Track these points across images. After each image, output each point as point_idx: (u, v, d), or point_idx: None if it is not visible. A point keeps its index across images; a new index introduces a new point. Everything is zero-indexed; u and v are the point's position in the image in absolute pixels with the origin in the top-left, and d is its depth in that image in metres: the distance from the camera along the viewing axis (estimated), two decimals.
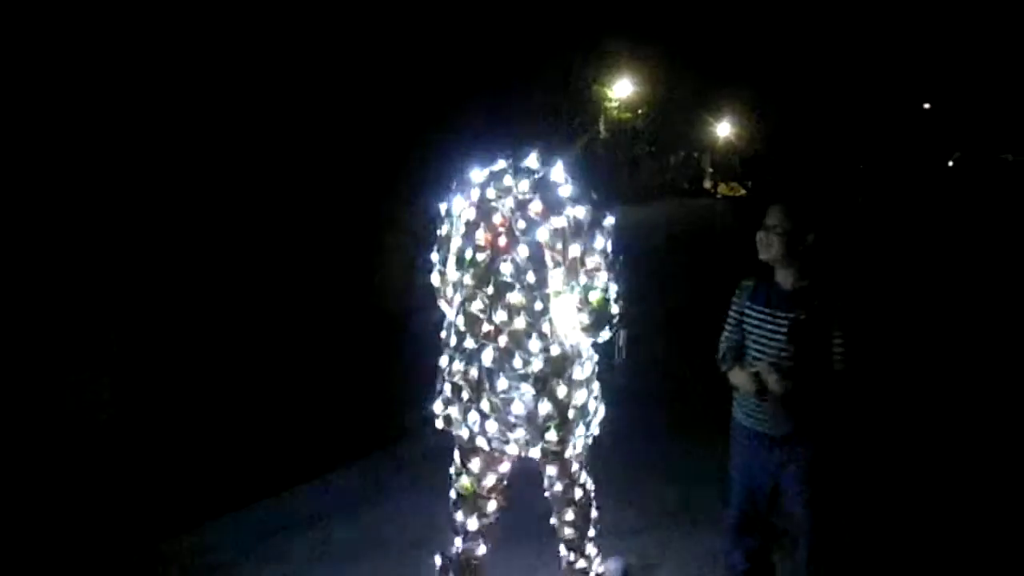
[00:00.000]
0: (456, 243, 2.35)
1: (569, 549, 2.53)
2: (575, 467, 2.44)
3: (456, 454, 2.46)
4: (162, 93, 4.14)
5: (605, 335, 2.30)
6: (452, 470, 2.48)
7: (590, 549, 2.54)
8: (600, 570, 2.60)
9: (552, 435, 2.26)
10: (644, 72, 18.18)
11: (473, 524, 2.44)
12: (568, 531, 2.50)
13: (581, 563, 2.54)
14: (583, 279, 2.23)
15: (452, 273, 2.37)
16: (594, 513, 2.55)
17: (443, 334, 2.41)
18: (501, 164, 2.33)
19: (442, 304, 2.44)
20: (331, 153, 5.10)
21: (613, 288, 2.26)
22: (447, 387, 2.34)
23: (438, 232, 2.42)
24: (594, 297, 2.22)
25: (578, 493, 2.47)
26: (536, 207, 2.22)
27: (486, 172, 2.33)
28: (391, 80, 5.14)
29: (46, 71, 3.64)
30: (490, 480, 2.43)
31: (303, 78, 4.88)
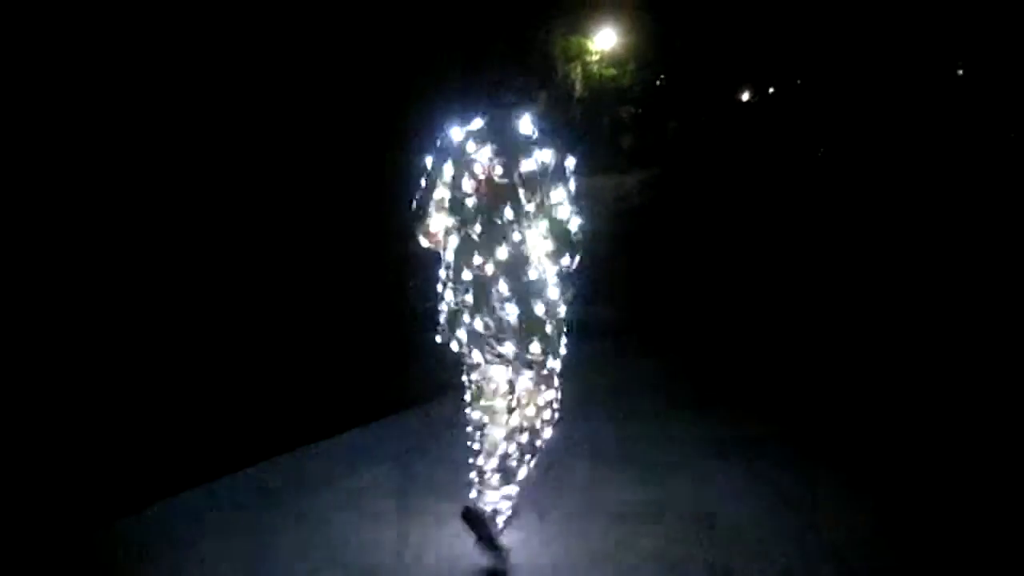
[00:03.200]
0: (443, 192, 2.81)
1: (505, 439, 2.88)
2: (551, 378, 2.89)
3: (464, 379, 2.94)
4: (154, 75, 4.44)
5: (567, 261, 2.72)
6: (467, 397, 2.96)
7: (515, 464, 2.90)
8: (496, 487, 2.89)
9: (536, 347, 2.74)
10: (633, 20, 15.02)
11: (487, 419, 2.92)
12: (516, 420, 2.89)
13: (494, 462, 2.89)
14: (552, 212, 2.68)
15: (439, 218, 2.83)
16: (546, 434, 2.97)
17: (441, 271, 2.87)
18: (477, 122, 2.78)
19: (423, 242, 2.89)
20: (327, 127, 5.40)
21: (576, 221, 2.72)
22: (453, 315, 2.82)
23: (421, 184, 2.86)
24: (557, 229, 2.69)
25: (548, 395, 2.91)
26: (509, 154, 2.68)
27: (463, 131, 2.78)
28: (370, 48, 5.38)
29: (45, 71, 3.90)
30: (492, 385, 2.90)
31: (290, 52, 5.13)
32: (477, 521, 2.83)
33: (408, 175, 3.18)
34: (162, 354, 4.51)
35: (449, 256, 2.83)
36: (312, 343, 4.96)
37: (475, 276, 2.74)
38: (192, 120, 4.65)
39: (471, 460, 2.96)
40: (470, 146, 2.74)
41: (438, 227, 2.86)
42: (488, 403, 2.93)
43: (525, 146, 2.70)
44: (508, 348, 2.75)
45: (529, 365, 2.79)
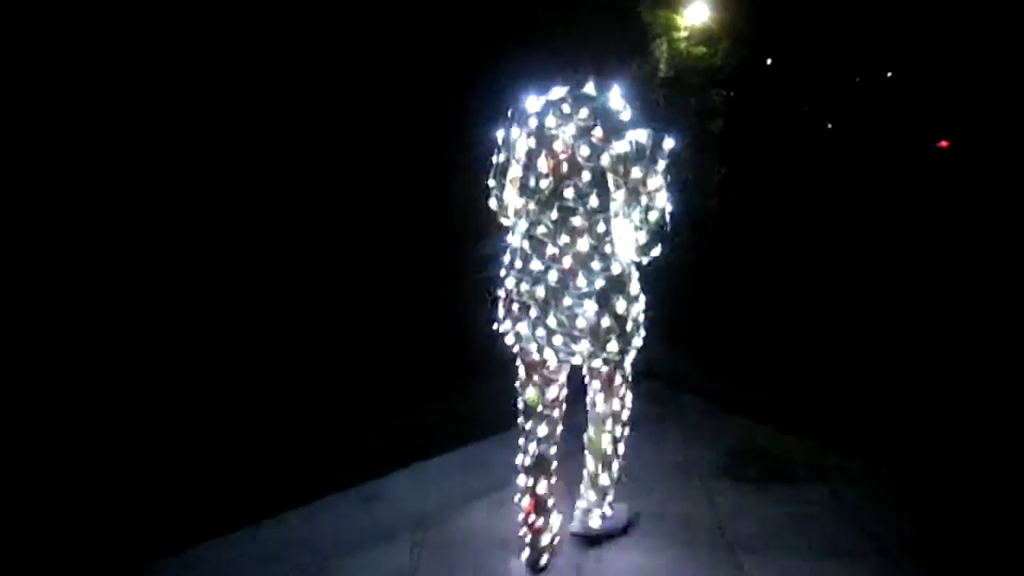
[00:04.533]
0: (516, 171, 2.51)
1: (598, 461, 2.74)
2: (620, 381, 2.63)
3: (520, 369, 2.67)
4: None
5: (656, 252, 2.43)
6: (517, 384, 2.70)
7: (616, 469, 2.77)
8: (611, 500, 2.83)
9: (613, 346, 2.44)
10: None
11: (543, 430, 2.65)
12: (606, 442, 2.70)
13: (604, 479, 2.76)
14: (644, 200, 2.36)
15: (511, 199, 2.56)
16: (625, 432, 2.75)
17: (506, 258, 2.58)
18: (559, 93, 2.44)
19: (504, 221, 2.64)
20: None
21: (668, 208, 2.41)
22: (514, 306, 2.52)
23: (494, 160, 2.58)
24: (653, 217, 2.38)
25: (618, 406, 2.68)
26: (598, 133, 2.35)
27: (543, 101, 2.45)
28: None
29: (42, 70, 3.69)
30: (552, 391, 2.64)
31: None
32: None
33: (474, 150, 2.92)
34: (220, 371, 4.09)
35: (516, 241, 2.53)
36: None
37: (548, 268, 2.43)
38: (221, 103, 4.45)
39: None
40: (550, 120, 2.41)
41: (510, 208, 2.58)
42: (545, 411, 2.64)
43: (618, 124, 2.35)
44: (583, 347, 2.44)
45: (607, 363, 2.50)
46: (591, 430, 2.74)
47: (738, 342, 4.58)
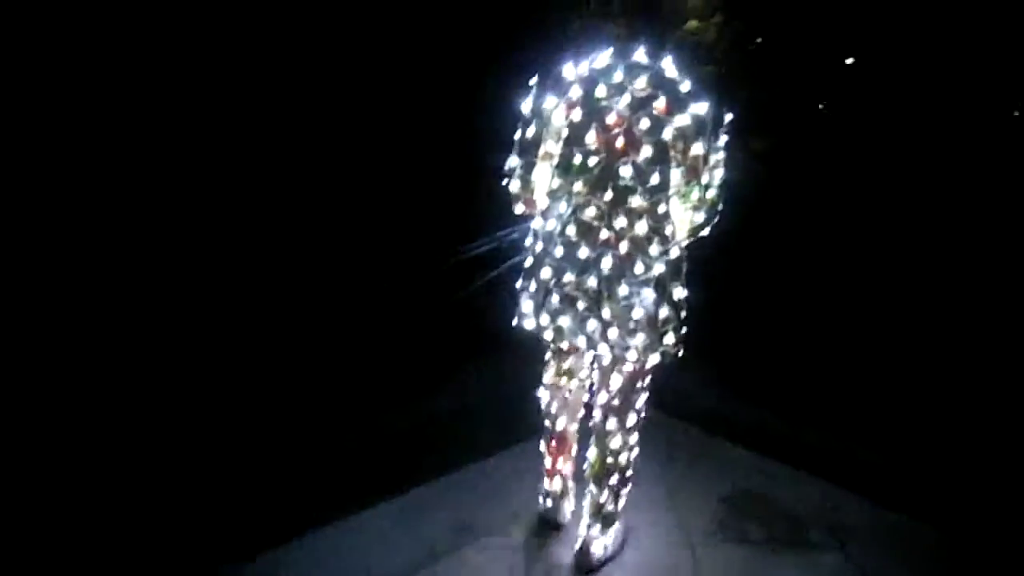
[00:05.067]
0: (551, 147, 2.25)
1: (603, 486, 2.43)
2: (644, 383, 2.39)
3: (549, 355, 2.51)
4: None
5: (706, 232, 2.24)
6: (546, 370, 2.54)
7: (625, 493, 2.50)
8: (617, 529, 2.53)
9: (670, 338, 2.23)
10: None
11: (567, 411, 2.56)
12: (616, 458, 2.41)
13: (610, 505, 2.47)
14: (705, 177, 2.15)
15: (542, 179, 2.28)
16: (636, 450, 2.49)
17: (537, 245, 2.31)
18: (605, 59, 2.19)
19: (519, 208, 2.34)
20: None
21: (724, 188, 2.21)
22: (553, 299, 2.27)
23: (519, 135, 2.29)
24: (711, 195, 2.18)
25: (633, 419, 2.41)
26: (660, 104, 2.11)
27: (586, 68, 2.20)
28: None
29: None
30: (582, 375, 2.52)
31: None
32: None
33: (492, 123, 2.64)
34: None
35: (552, 226, 2.26)
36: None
37: (600, 255, 2.19)
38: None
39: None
40: (600, 89, 2.16)
41: (541, 190, 2.31)
42: (571, 395, 2.54)
43: (680, 95, 2.12)
44: (639, 340, 2.21)
45: (664, 357, 2.27)
46: (595, 450, 2.43)
47: (741, 355, 4.01)
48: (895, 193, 5.43)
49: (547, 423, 2.60)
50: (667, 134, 2.11)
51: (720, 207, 2.21)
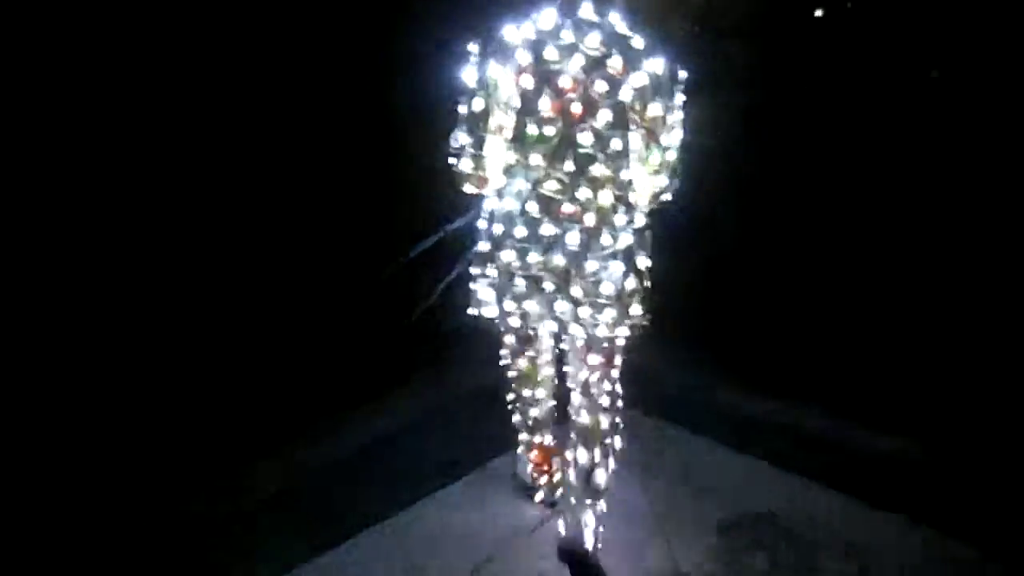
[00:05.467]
0: (502, 119, 2.06)
1: (592, 449, 2.28)
2: (619, 360, 2.27)
3: (509, 340, 2.40)
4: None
5: (669, 197, 2.14)
6: (506, 355, 2.43)
7: (612, 465, 2.35)
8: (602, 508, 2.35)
9: (637, 309, 2.13)
10: None
11: (539, 394, 2.50)
12: (603, 423, 2.27)
13: (600, 477, 2.30)
14: (664, 139, 2.05)
15: (496, 154, 2.10)
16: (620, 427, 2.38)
17: (495, 227, 2.13)
18: (550, 18, 2.03)
19: (469, 188, 2.16)
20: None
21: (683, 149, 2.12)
22: (517, 282, 2.11)
23: (465, 110, 2.09)
24: (671, 158, 2.08)
25: (608, 400, 2.29)
26: (616, 64, 1.98)
27: (531, 29, 2.03)
28: None
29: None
30: (545, 357, 2.44)
31: None
32: (579, 558, 2.31)
33: (420, 102, 2.39)
34: None
35: (510, 205, 2.10)
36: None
37: (566, 230, 2.05)
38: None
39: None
40: (549, 51, 2.00)
41: (495, 166, 2.12)
42: (540, 377, 2.46)
43: (634, 52, 2.00)
44: (608, 315, 2.09)
45: (632, 330, 2.16)
46: (585, 416, 2.28)
47: (736, 337, 3.53)
48: (890, 163, 4.70)
49: (524, 434, 2.49)
50: (625, 95, 1.99)
51: (680, 171, 2.11)
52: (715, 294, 3.84)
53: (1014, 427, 2.89)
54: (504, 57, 2.04)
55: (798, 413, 3.12)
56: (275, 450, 2.89)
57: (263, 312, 3.49)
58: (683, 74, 2.06)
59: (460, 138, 2.11)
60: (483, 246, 2.18)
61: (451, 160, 2.13)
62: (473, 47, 2.08)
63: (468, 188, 2.17)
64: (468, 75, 2.08)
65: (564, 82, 1.99)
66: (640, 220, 2.12)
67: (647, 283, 2.16)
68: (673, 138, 2.07)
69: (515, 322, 2.19)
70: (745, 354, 3.43)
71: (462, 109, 2.10)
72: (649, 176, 2.08)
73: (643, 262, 2.15)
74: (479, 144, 2.09)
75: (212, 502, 2.61)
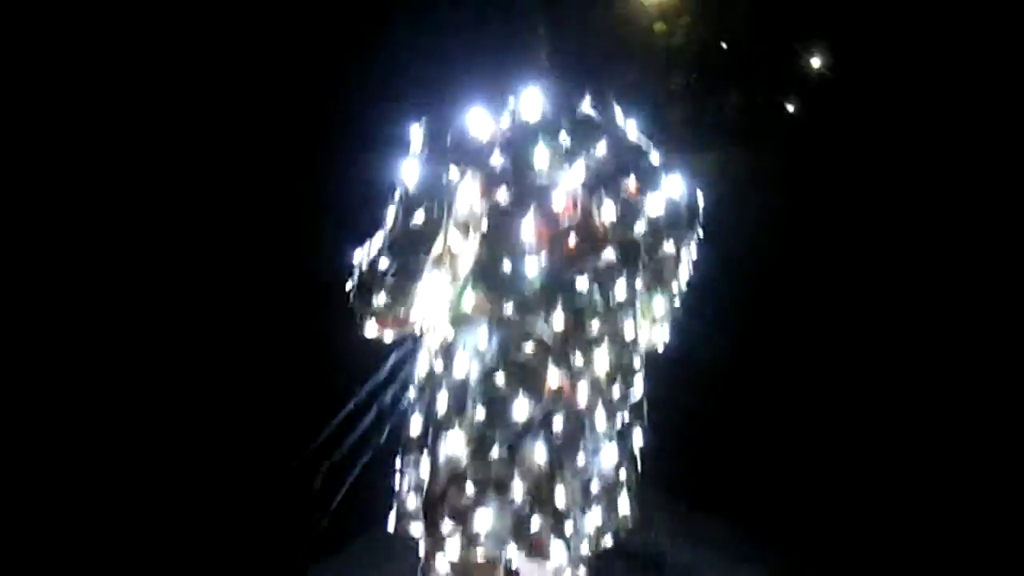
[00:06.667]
0: (459, 244, 1.41)
1: None
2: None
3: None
4: None
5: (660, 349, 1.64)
6: None
7: None
8: None
9: (625, 506, 1.53)
10: None
11: None
12: None
13: None
14: (673, 285, 1.53)
15: (438, 293, 1.43)
16: None
17: (437, 402, 1.43)
18: (539, 107, 1.41)
19: (382, 332, 1.46)
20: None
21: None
22: (467, 487, 1.39)
23: (398, 220, 1.40)
24: (677, 303, 1.58)
25: None
26: (631, 184, 1.41)
27: (511, 118, 1.41)
28: None
29: None
30: None
31: None
32: None
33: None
34: None
35: (460, 370, 1.42)
36: None
37: (549, 412, 1.41)
38: None
39: None
40: (539, 155, 1.38)
41: (430, 310, 1.45)
42: None
43: (651, 170, 1.45)
44: (594, 522, 1.48)
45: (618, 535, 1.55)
46: None
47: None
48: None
49: None
50: (639, 226, 1.42)
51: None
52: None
53: None
54: (468, 155, 1.39)
55: None
56: None
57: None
58: (702, 201, 1.54)
59: (380, 261, 1.39)
60: (412, 427, 1.49)
61: (353, 287, 1.43)
62: (418, 132, 1.41)
63: (370, 329, 1.45)
64: (408, 172, 1.40)
65: (555, 201, 1.38)
66: (639, 388, 1.53)
67: (640, 465, 1.57)
68: (682, 281, 1.55)
69: (454, 548, 1.44)
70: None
71: (391, 217, 1.41)
72: (647, 329, 1.55)
73: (638, 440, 1.56)
74: (407, 274, 1.39)
75: None
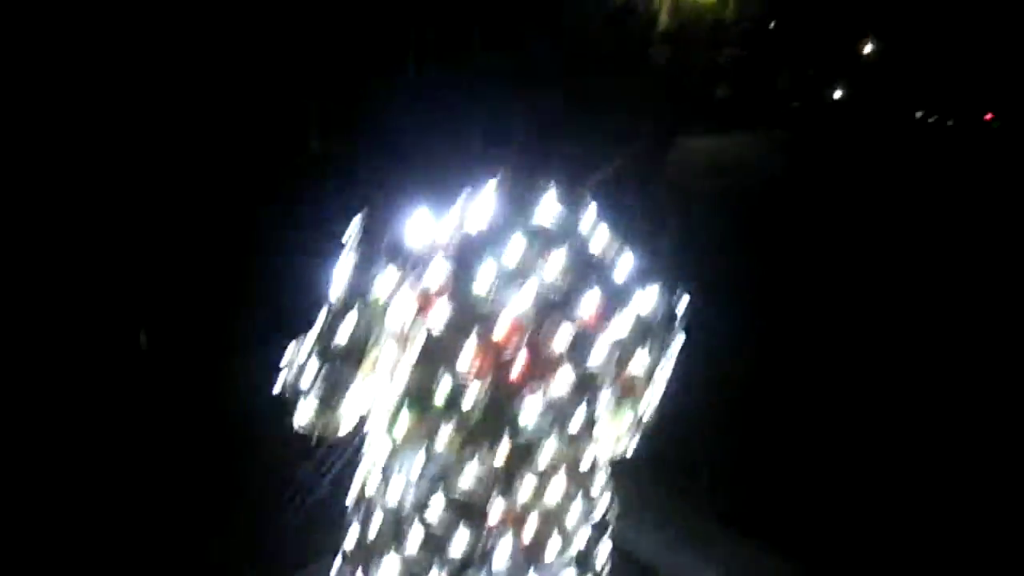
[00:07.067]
0: (393, 354, 1.27)
1: None
2: None
3: None
4: None
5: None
6: None
7: None
8: None
9: None
10: None
11: None
12: None
13: None
14: (643, 400, 1.34)
15: (369, 402, 1.30)
16: None
17: (369, 526, 1.32)
18: (490, 206, 1.23)
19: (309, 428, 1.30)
20: None
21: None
22: None
23: (324, 329, 1.24)
24: (646, 419, 1.37)
25: None
26: (590, 308, 1.21)
27: (457, 222, 1.24)
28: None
29: None
30: None
31: None
32: None
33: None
34: None
35: (395, 495, 1.29)
36: None
37: (491, 548, 1.28)
38: None
39: None
40: (487, 269, 1.20)
41: (362, 421, 1.32)
42: None
43: (620, 286, 1.25)
44: None
45: None
46: None
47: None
48: None
49: None
50: (598, 356, 1.23)
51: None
52: None
53: None
54: (404, 261, 1.23)
55: None
56: None
57: None
58: (683, 304, 1.33)
59: (303, 367, 1.25)
60: (349, 542, 1.38)
61: (283, 394, 1.27)
62: (353, 230, 1.25)
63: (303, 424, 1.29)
64: (336, 279, 1.25)
65: (502, 327, 1.20)
66: (600, 510, 1.39)
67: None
68: (655, 391, 1.36)
69: None
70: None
71: (320, 323, 1.26)
72: (612, 438, 1.37)
73: (602, 557, 1.43)
74: (333, 385, 1.24)
75: None
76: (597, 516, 1.38)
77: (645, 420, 1.37)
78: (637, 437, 1.39)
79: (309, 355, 1.25)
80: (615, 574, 1.45)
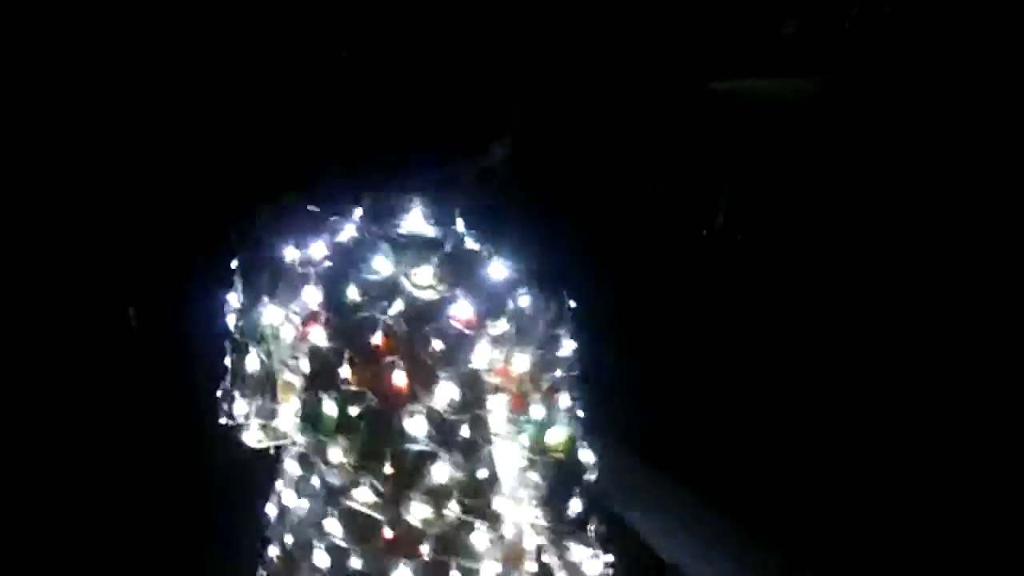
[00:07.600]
0: (293, 381, 1.32)
1: None
2: None
3: None
4: None
5: (577, 509, 1.30)
6: None
7: None
8: None
9: None
10: None
11: None
12: None
13: None
14: (537, 409, 1.27)
15: (296, 435, 1.34)
16: None
17: (287, 535, 1.35)
18: (352, 224, 1.28)
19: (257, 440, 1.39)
20: None
21: (578, 420, 1.31)
22: None
23: (237, 369, 1.34)
24: (555, 438, 1.27)
25: None
26: (463, 311, 1.22)
27: (324, 248, 1.28)
28: None
29: None
30: None
31: None
32: None
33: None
34: None
35: (298, 514, 1.33)
36: None
37: (384, 570, 1.27)
38: None
39: None
40: (352, 289, 1.23)
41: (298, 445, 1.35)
42: None
43: (493, 289, 1.24)
44: None
45: None
46: None
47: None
48: None
49: None
50: (480, 358, 1.23)
51: (579, 458, 1.30)
52: None
53: None
54: (285, 293, 1.28)
55: None
56: None
57: None
58: (570, 306, 1.32)
59: (232, 398, 1.33)
60: (273, 551, 1.39)
61: (229, 424, 1.36)
62: (236, 271, 1.31)
63: (251, 440, 1.39)
64: (230, 315, 1.32)
65: (375, 338, 1.22)
66: (510, 531, 1.32)
67: None
68: (559, 407, 1.27)
69: None
70: None
71: (231, 365, 1.34)
72: (521, 470, 1.28)
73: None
74: (267, 411, 1.34)
75: None
76: (507, 536, 1.33)
77: (555, 443, 1.26)
78: (557, 480, 1.27)
79: (232, 388, 1.34)
80: None
